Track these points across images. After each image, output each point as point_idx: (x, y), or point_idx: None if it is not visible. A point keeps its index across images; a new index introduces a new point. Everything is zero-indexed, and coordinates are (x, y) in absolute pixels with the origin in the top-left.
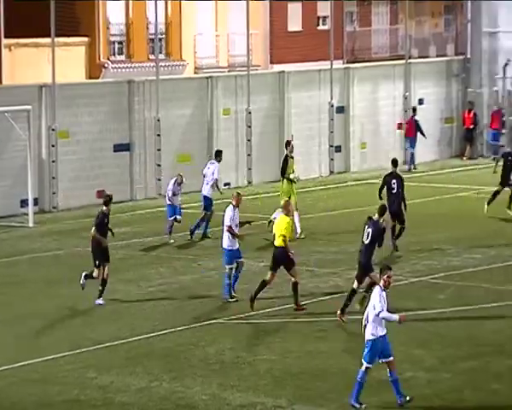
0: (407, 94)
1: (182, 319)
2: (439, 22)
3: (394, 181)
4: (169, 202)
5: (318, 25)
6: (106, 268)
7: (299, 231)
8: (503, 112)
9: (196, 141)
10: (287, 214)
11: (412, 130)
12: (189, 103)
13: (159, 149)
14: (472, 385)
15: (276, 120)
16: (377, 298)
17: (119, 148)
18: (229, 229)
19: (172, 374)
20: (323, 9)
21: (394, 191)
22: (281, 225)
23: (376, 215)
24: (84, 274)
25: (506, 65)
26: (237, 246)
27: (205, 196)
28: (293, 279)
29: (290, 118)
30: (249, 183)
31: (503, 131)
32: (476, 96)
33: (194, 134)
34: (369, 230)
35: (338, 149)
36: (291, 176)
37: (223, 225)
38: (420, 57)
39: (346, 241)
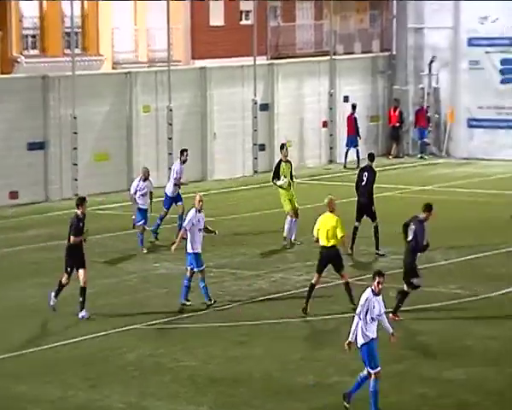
0: (332, 91)
1: (100, 325)
2: (365, 18)
3: (366, 173)
4: (139, 205)
5: (241, 19)
6: (84, 274)
7: (293, 237)
8: (426, 109)
9: (115, 139)
10: (332, 212)
11: (352, 128)
12: (106, 100)
13: (75, 148)
14: (398, 389)
15: (198, 117)
16: (362, 302)
17: (32, 146)
18: (183, 233)
19: (90, 382)
20: (246, 4)
21: (363, 183)
22: (334, 224)
23: (422, 214)
24: (52, 294)
25: (431, 62)
26: (200, 251)
27: (165, 194)
28: (343, 280)
29: (212, 115)
30: None
31: (429, 128)
32: (402, 94)
33: (113, 132)
34: (413, 227)
35: (262, 147)
36: (278, 183)
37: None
38: (345, 53)
39: (270, 242)
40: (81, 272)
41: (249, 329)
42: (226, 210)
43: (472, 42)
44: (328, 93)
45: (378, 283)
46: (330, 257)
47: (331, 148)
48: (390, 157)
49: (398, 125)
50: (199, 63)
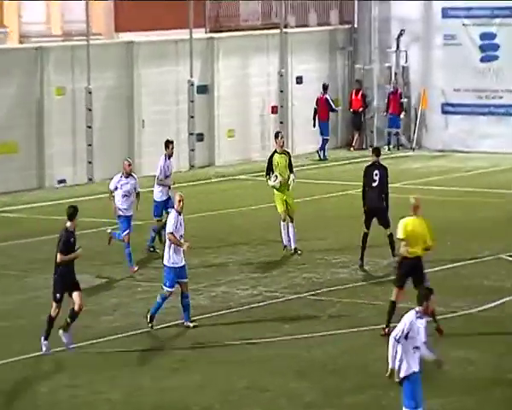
0: (283, 71)
1: (5, 351)
2: None
3: (376, 172)
4: (120, 212)
5: None
6: (79, 297)
7: (293, 245)
8: (400, 93)
9: (23, 127)
10: (416, 214)
11: (324, 112)
12: (12, 80)
13: None
14: None
15: (123, 101)
16: (403, 326)
17: None
18: (170, 236)
19: None
20: None
21: (376, 184)
22: (424, 230)
23: None
24: (42, 339)
25: (400, 36)
26: (183, 263)
27: (154, 200)
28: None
29: (140, 99)
30: (90, 180)
31: (402, 115)
32: (365, 74)
33: (20, 119)
34: None
35: (200, 137)
36: (270, 182)
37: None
38: (298, 26)
39: (209, 251)
40: (75, 295)
41: (185, 354)
42: None
43: (447, 13)
44: (279, 73)
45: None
46: (413, 268)
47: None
48: (351, 149)
49: (360, 110)
50: (124, 37)
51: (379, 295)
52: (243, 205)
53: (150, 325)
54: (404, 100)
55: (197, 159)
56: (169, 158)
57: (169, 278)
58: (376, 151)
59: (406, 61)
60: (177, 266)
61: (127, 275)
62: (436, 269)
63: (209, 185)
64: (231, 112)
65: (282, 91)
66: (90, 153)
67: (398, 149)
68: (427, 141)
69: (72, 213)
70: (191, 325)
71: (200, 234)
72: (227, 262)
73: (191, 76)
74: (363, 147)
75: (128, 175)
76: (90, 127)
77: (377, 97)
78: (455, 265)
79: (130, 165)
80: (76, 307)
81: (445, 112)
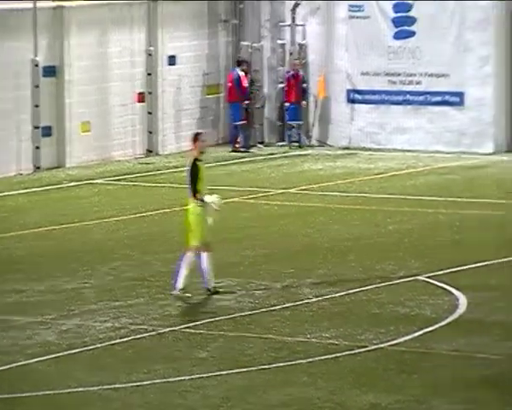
0: (151, 49)
1: None
2: None
3: None
4: None
5: None
6: None
7: (210, 284)
8: (302, 76)
9: None
10: None
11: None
12: None
13: None
14: None
15: None
16: None
17: None
18: None
19: None
20: None
21: None
22: None
23: None
24: None
25: (296, 6)
26: None
27: None
28: None
29: None
30: None
31: (304, 104)
32: (253, 54)
33: None
34: None
35: (47, 131)
36: (206, 199)
37: None
38: None
39: (59, 274)
40: None
41: (27, 403)
42: None
43: None
44: (146, 52)
45: None
46: None
47: (150, 132)
48: (236, 146)
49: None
50: None
51: (271, 327)
52: (102, 216)
53: None
54: (303, 85)
55: (43, 158)
56: None
57: None
58: None
59: (304, 38)
60: None
61: None
62: (340, 294)
63: (59, 192)
64: (86, 100)
65: (150, 74)
66: None
67: (300, 146)
68: (329, 136)
69: None
70: None
71: (48, 253)
72: (81, 288)
73: (35, 55)
74: (251, 144)
75: None
76: None
77: (268, 82)
78: (362, 289)
79: None
80: None
81: (350, 100)
